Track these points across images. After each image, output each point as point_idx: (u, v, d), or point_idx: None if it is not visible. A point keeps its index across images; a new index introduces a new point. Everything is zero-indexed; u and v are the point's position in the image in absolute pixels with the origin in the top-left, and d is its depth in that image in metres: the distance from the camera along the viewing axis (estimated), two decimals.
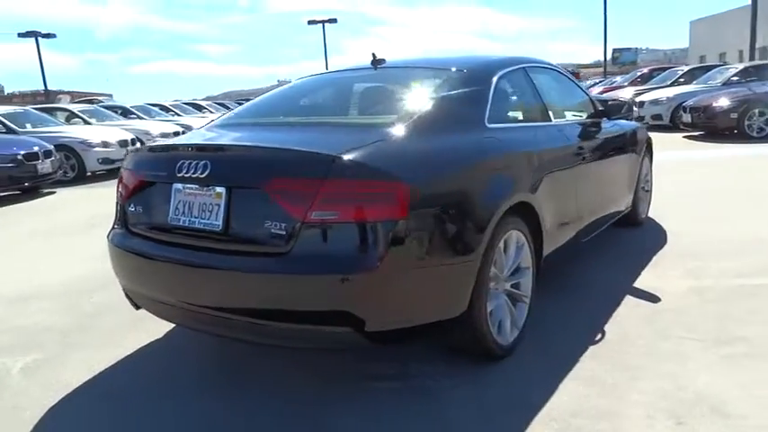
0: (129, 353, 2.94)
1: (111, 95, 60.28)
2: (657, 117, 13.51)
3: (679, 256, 4.00)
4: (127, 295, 2.70)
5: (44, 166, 8.72)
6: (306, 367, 2.70)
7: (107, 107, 16.07)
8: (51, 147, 9.12)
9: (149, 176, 2.51)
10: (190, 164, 2.29)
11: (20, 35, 32.43)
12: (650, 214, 5.11)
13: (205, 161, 2.26)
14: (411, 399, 2.37)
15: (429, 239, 2.14)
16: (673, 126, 12.88)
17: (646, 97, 14.07)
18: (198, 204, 2.29)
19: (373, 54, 3.15)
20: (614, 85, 19.80)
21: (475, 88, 2.76)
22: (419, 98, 2.72)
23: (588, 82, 26.20)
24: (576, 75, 39.38)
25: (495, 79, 2.87)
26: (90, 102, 25.94)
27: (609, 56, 63.22)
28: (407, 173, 2.11)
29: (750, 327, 2.85)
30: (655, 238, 4.48)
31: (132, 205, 2.59)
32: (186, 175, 2.29)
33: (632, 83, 17.97)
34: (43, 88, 35.08)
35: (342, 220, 2.01)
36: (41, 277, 4.31)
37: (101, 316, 3.41)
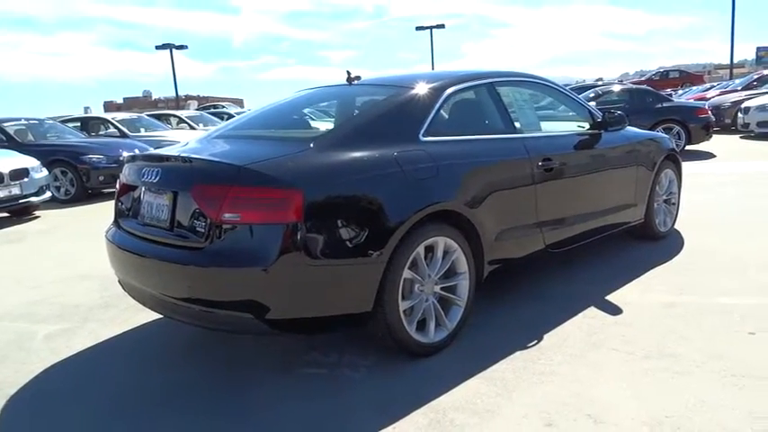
0: (127, 329, 3.49)
1: (242, 100, 64.98)
2: (765, 124, 12.42)
3: (678, 272, 3.90)
4: (119, 282, 3.21)
5: None
6: (266, 348, 3.07)
7: (213, 113, 17.56)
8: (151, 149, 10.25)
9: (130, 181, 3.01)
10: (150, 171, 2.75)
11: (157, 47, 36.08)
12: (688, 229, 4.93)
13: (158, 169, 2.71)
14: (325, 384, 2.65)
15: (326, 241, 2.42)
16: None
17: (752, 102, 12.96)
18: (156, 205, 2.75)
19: (348, 72, 3.45)
20: (730, 88, 18.33)
21: (417, 105, 2.97)
22: (359, 114, 2.99)
23: (706, 85, 24.29)
24: (700, 77, 36.56)
25: (443, 95, 3.07)
26: (214, 107, 28.37)
27: (753, 55, 57.68)
28: (305, 181, 2.40)
29: (688, 344, 2.82)
30: (666, 251, 4.35)
31: (121, 205, 3.11)
32: (148, 181, 2.75)
33: (747, 86, 16.57)
34: (183, 94, 38.84)
35: (244, 221, 2.36)
36: (104, 261, 5.01)
37: (125, 297, 3.99)
